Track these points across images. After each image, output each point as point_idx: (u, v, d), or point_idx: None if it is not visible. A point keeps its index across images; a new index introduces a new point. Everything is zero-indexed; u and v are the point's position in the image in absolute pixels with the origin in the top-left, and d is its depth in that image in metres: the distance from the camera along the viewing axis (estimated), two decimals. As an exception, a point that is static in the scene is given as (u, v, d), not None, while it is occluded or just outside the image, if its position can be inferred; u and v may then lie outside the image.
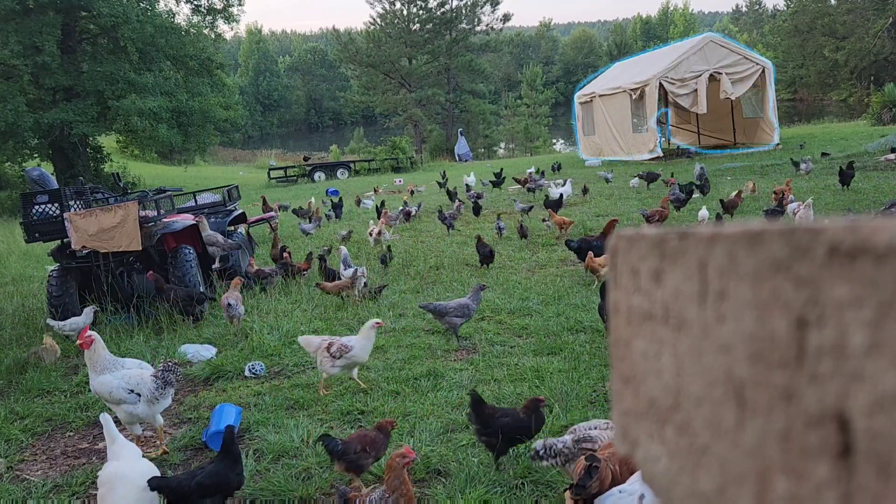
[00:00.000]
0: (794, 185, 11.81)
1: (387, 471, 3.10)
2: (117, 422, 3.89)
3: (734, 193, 10.88)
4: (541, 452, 3.34)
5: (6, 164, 27.20)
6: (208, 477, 3.31)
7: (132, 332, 6.84)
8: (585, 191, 14.45)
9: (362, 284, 7.44)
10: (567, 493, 3.06)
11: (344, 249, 8.00)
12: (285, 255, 8.69)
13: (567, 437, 3.36)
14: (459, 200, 14.17)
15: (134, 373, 4.39)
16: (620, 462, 2.90)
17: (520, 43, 74.51)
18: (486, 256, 8.58)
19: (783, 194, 10.32)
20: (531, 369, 5.04)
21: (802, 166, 14.52)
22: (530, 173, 17.50)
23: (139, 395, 4.28)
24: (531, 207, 12.30)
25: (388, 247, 9.69)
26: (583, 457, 3.04)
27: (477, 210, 12.95)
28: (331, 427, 4.43)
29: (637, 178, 15.23)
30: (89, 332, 4.53)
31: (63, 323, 6.68)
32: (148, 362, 5.31)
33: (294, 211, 15.29)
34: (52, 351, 6.24)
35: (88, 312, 6.74)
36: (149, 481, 3.21)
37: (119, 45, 25.26)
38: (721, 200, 10.47)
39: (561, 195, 12.33)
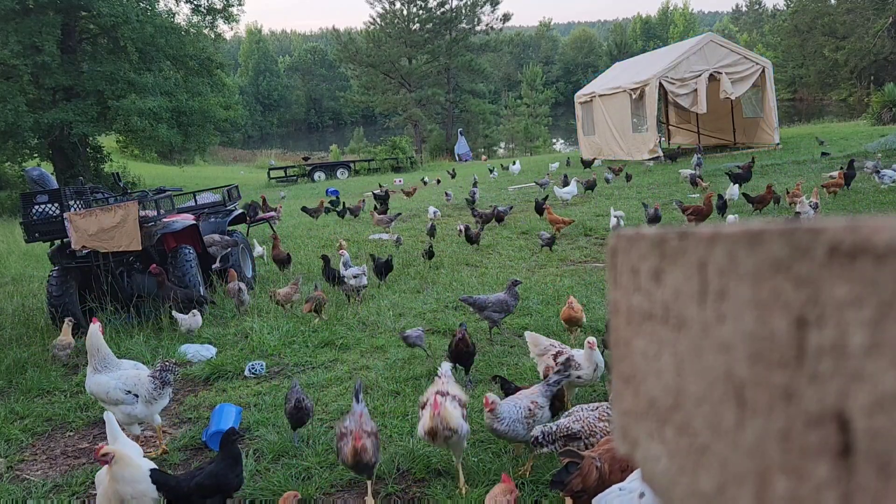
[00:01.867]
0: (805, 185, 11.69)
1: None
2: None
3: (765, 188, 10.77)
4: (540, 439, 3.33)
5: (6, 164, 27.19)
6: (208, 478, 3.30)
7: (132, 332, 6.84)
8: (629, 178, 15.76)
9: (362, 284, 7.43)
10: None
11: (345, 253, 7.96)
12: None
13: (563, 421, 3.36)
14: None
15: (131, 373, 4.38)
16: (611, 460, 2.87)
17: (520, 43, 74.39)
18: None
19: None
20: (531, 369, 5.04)
21: (889, 176, 11.12)
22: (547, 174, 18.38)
23: (136, 395, 4.27)
24: (511, 208, 12.27)
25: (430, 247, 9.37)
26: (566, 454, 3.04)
27: (500, 219, 11.91)
28: (330, 426, 4.43)
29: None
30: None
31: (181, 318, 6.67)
32: (148, 362, 5.31)
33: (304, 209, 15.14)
34: (67, 346, 6.20)
35: (195, 315, 6.61)
36: (151, 472, 3.22)
37: (119, 45, 25.26)
38: (746, 195, 10.40)
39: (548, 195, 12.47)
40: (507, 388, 4.07)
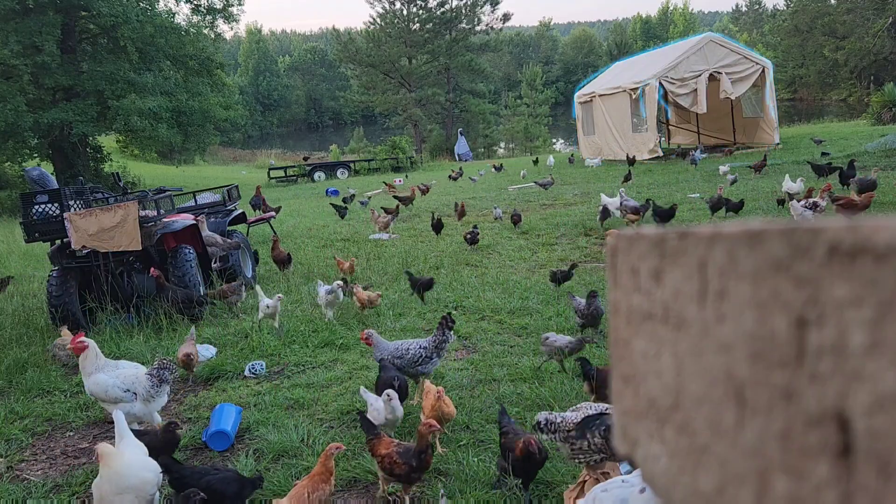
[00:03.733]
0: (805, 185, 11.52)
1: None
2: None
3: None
4: (542, 425, 3.25)
5: (6, 164, 27.19)
6: (220, 482, 3.29)
7: (132, 332, 6.84)
8: (628, 178, 15.34)
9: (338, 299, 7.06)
10: (566, 494, 3.04)
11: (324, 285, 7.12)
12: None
13: (568, 414, 3.30)
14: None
15: (129, 371, 4.40)
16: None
17: (520, 43, 74.55)
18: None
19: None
20: (531, 369, 5.05)
21: None
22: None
23: (135, 393, 4.28)
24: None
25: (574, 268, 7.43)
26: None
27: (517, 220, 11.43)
28: (330, 426, 4.43)
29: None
30: (83, 338, 4.50)
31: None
32: (147, 362, 5.31)
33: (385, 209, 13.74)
34: (67, 345, 6.19)
35: (277, 300, 6.52)
36: (159, 459, 3.26)
37: (119, 45, 25.27)
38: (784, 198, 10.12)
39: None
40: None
